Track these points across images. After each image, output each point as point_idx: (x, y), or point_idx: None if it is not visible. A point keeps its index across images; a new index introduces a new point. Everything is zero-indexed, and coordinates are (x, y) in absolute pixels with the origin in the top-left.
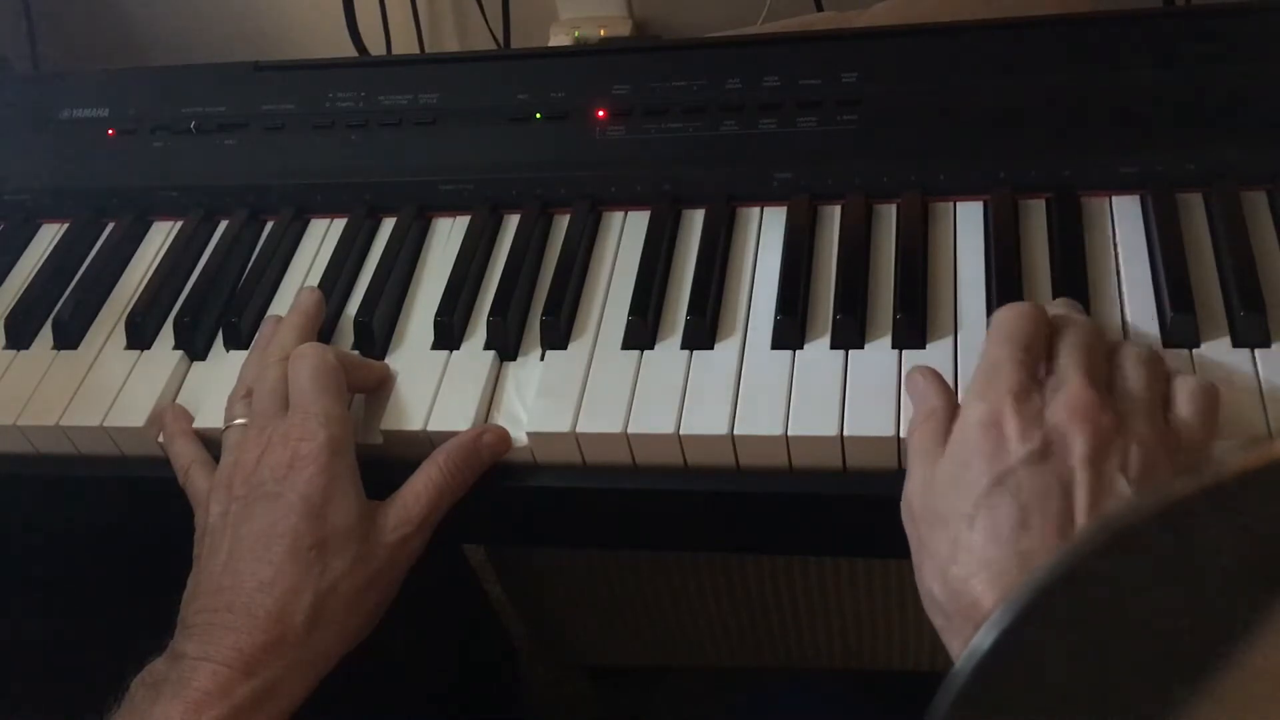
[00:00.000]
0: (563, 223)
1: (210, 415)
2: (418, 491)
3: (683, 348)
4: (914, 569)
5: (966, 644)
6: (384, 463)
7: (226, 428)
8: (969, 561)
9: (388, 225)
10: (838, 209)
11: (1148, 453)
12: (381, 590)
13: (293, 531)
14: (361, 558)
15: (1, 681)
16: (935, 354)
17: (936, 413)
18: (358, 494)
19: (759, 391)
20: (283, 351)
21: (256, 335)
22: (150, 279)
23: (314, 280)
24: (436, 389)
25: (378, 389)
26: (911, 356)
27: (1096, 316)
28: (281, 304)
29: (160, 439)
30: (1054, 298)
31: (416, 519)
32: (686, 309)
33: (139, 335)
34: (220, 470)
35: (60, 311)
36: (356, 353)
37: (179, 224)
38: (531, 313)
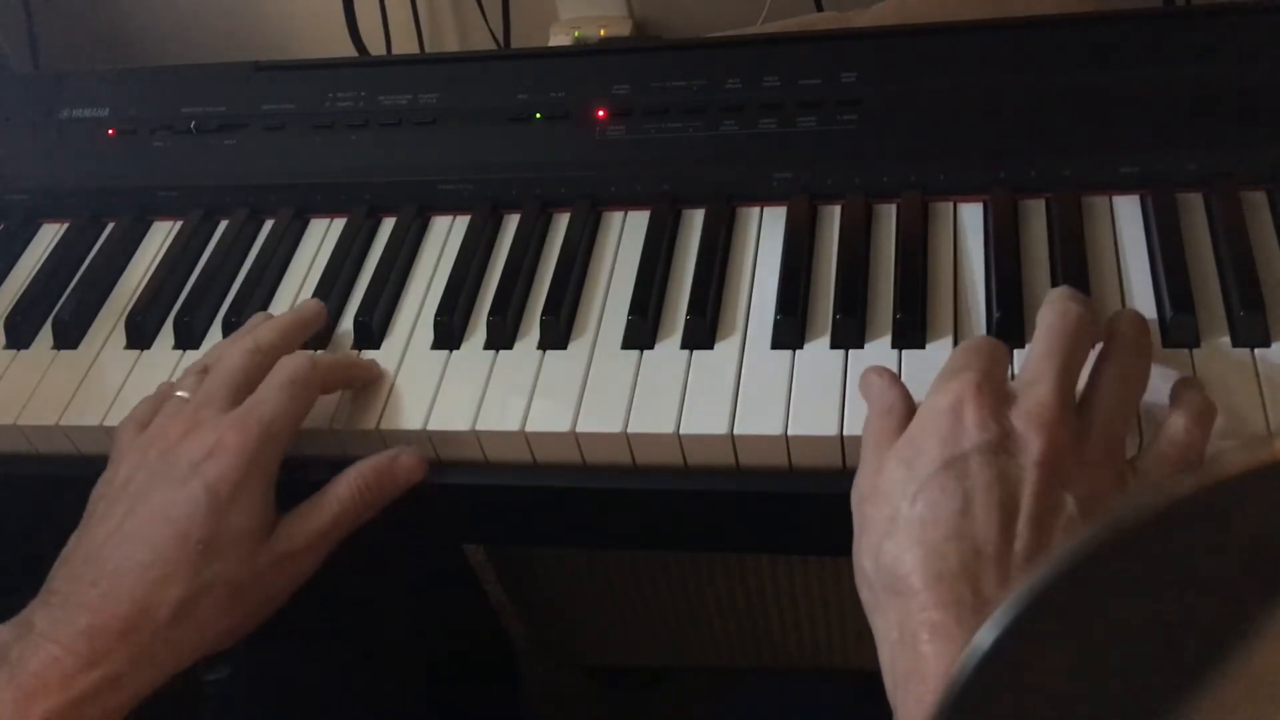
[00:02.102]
0: (563, 223)
1: None
2: (321, 507)
3: (683, 347)
4: (853, 550)
5: (889, 621)
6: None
7: (170, 396)
8: (904, 538)
9: (388, 225)
10: (838, 209)
11: (1096, 485)
12: (258, 601)
13: (186, 520)
14: (246, 563)
15: None
16: (935, 354)
17: (894, 409)
18: (266, 503)
19: (759, 391)
20: (256, 343)
21: (243, 326)
22: (150, 279)
23: (314, 280)
24: (436, 389)
25: (374, 386)
26: (911, 356)
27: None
28: (281, 304)
29: None
30: None
31: (314, 534)
32: (686, 309)
33: (139, 335)
34: (145, 433)
35: (60, 311)
36: (349, 353)
37: (179, 224)
38: (531, 312)
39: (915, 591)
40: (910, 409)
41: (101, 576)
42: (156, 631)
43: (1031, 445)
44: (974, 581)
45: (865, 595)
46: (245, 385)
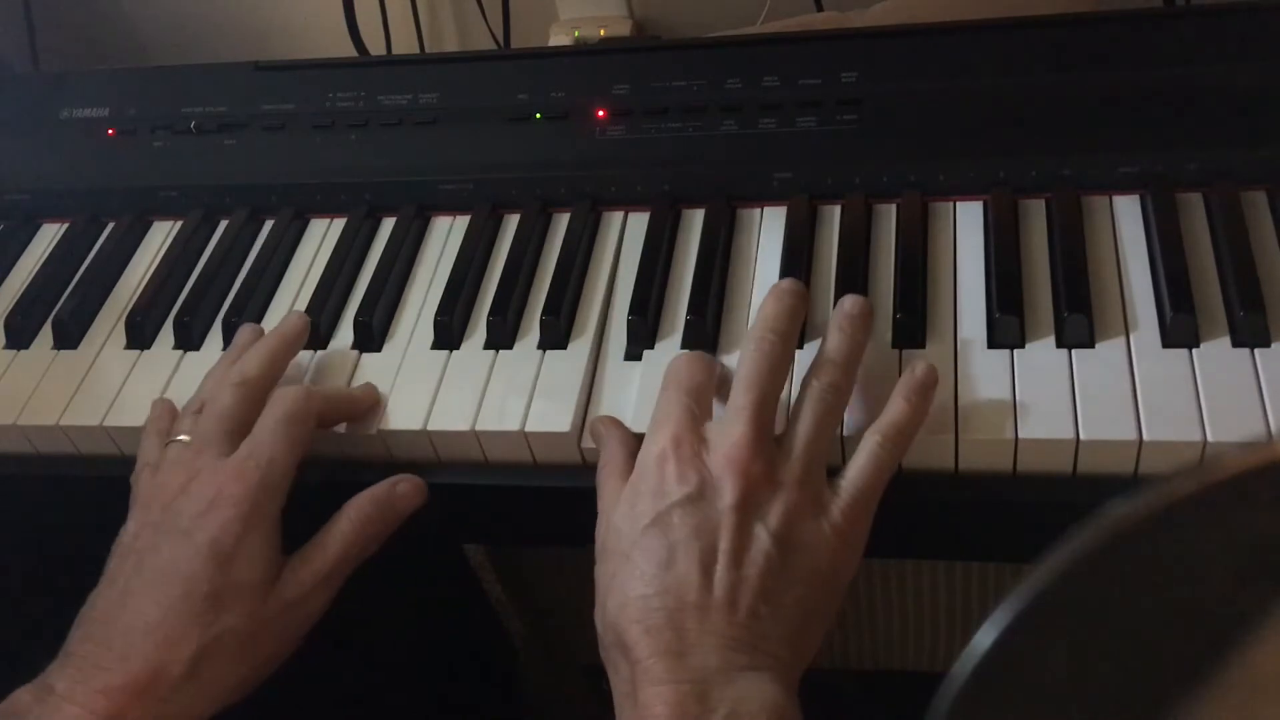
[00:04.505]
0: (563, 223)
1: None
2: (325, 547)
3: (683, 347)
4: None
5: (621, 676)
6: (385, 463)
7: (170, 441)
8: (621, 596)
9: (388, 225)
10: (838, 209)
11: (790, 509)
12: (271, 646)
13: (191, 576)
14: (256, 614)
15: (4, 681)
16: (935, 354)
17: (614, 457)
18: (271, 549)
19: None
20: (242, 375)
21: (231, 344)
22: (150, 279)
23: (314, 280)
24: (436, 389)
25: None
26: (912, 356)
27: (1097, 316)
28: (281, 304)
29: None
30: (1054, 298)
31: (320, 575)
32: (686, 309)
33: (139, 335)
34: (150, 487)
35: (60, 311)
36: (345, 387)
37: (179, 224)
38: (531, 312)
39: (633, 645)
40: (629, 453)
41: (114, 637)
42: (172, 687)
43: (725, 490)
44: (679, 630)
45: (603, 653)
46: (239, 423)
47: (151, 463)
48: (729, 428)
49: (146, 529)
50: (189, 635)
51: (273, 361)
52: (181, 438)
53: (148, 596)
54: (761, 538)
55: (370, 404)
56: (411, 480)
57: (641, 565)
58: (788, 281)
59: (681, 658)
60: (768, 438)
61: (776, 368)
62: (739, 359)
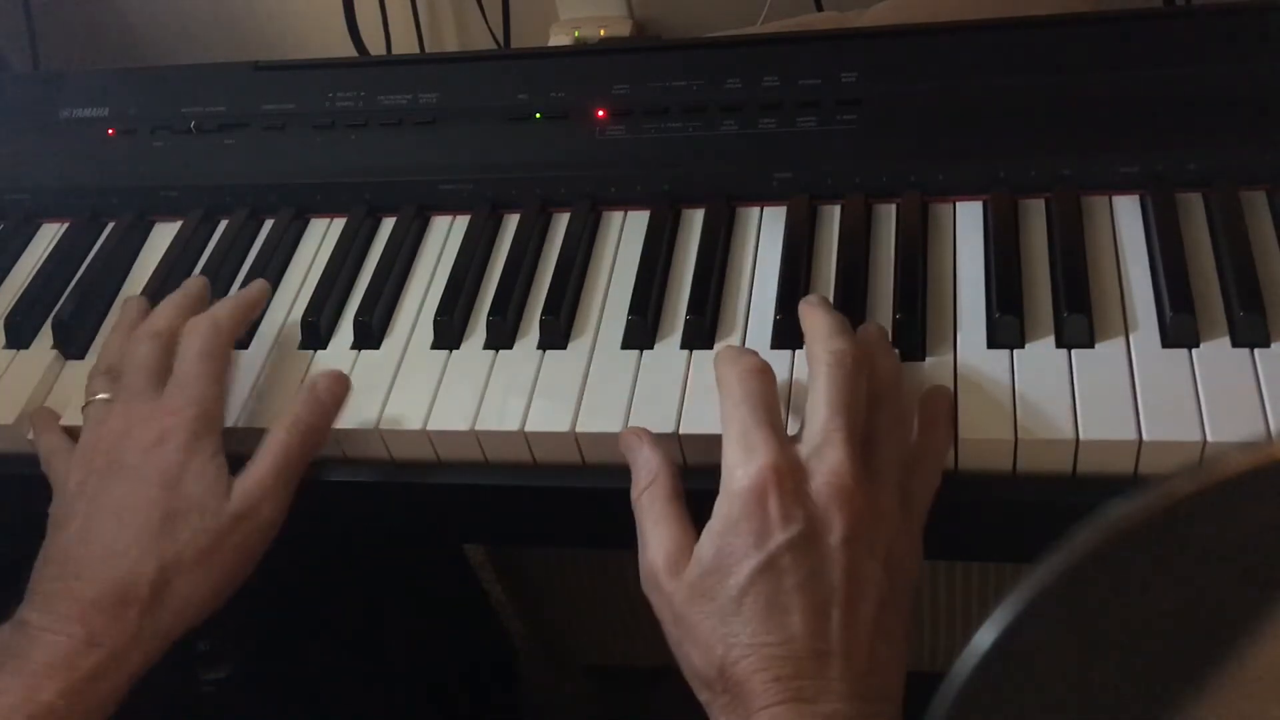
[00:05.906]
0: (562, 222)
1: None
2: (264, 455)
3: (682, 347)
4: (669, 640)
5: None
6: (385, 463)
7: (88, 403)
8: (738, 645)
9: (388, 225)
10: (838, 209)
11: (891, 531)
12: (229, 563)
13: (146, 501)
14: (209, 529)
15: None
16: (935, 354)
17: (660, 475)
18: (217, 468)
19: None
20: (153, 329)
21: (119, 318)
22: (150, 278)
23: (314, 279)
24: (436, 388)
25: (375, 385)
26: (911, 357)
27: (1097, 316)
28: (280, 303)
29: (30, 437)
30: (1054, 298)
31: (266, 480)
32: (686, 309)
33: None
34: (81, 445)
35: (60, 311)
36: (239, 295)
37: (179, 224)
38: (531, 312)
39: (756, 694)
40: (675, 472)
41: (82, 570)
42: (143, 608)
43: (835, 524)
44: (803, 675)
45: (703, 695)
46: (162, 369)
47: (60, 448)
48: (827, 453)
49: (92, 476)
50: (150, 555)
51: (180, 314)
52: (101, 396)
53: (106, 529)
54: (874, 571)
55: (260, 294)
56: (327, 374)
57: (758, 614)
58: (815, 296)
59: (809, 702)
60: (864, 463)
61: (859, 385)
62: (813, 373)
